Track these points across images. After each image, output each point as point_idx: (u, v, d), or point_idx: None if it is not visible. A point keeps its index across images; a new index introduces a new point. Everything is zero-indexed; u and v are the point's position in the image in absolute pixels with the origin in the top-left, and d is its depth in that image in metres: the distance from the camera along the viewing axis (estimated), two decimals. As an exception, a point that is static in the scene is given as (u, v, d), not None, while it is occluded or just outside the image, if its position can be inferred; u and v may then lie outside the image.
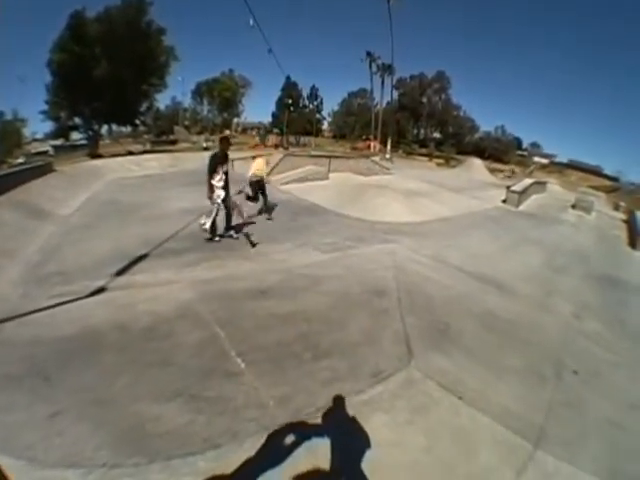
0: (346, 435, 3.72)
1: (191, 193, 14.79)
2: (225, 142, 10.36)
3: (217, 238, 9.74)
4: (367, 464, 3.38)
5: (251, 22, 22.29)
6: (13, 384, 4.04)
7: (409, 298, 7.03)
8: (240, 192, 12.73)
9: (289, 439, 3.52)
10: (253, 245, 9.48)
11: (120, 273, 7.46)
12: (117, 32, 30.78)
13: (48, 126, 38.51)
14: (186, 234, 10.12)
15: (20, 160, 33.98)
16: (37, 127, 52.66)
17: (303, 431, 3.62)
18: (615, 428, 4.62)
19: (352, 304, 6.58)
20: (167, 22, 35.17)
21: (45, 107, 33.72)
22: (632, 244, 17.14)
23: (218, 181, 9.46)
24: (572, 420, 4.63)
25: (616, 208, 30.75)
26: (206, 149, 36.11)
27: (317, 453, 3.43)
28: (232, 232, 10.11)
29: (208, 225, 9.50)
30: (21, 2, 61.17)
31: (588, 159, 73.84)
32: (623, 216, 24.95)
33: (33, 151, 43.54)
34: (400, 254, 9.78)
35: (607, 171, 66.13)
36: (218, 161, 9.52)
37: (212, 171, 9.48)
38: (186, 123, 67.79)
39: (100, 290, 6.67)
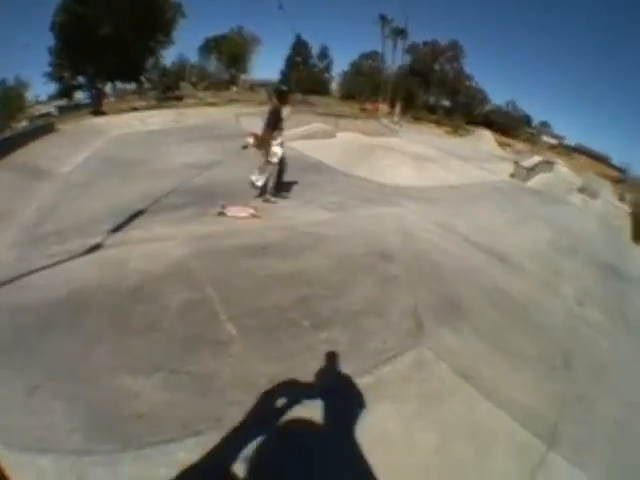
0: (344, 430, 3.29)
1: (195, 148, 14.54)
2: (284, 97, 9.58)
3: (273, 199, 9.12)
4: (367, 462, 3.01)
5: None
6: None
7: (417, 265, 6.67)
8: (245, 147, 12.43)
9: (276, 429, 3.14)
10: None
11: (116, 230, 7.11)
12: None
13: (51, 88, 39.31)
14: (188, 189, 9.72)
15: (23, 123, 33.81)
16: (40, 90, 52.56)
17: (293, 421, 3.22)
18: (620, 428, 4.44)
19: (357, 267, 6.17)
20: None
21: (48, 70, 33.87)
22: (636, 236, 17.03)
23: (277, 139, 8.83)
24: (583, 418, 4.40)
25: (621, 199, 30.43)
26: (212, 104, 35.86)
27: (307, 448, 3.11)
28: (283, 192, 9.62)
29: (261, 183, 8.99)
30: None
31: (595, 146, 72.76)
32: (628, 208, 24.75)
33: (36, 114, 43.31)
34: (407, 218, 9.48)
35: (614, 161, 64.51)
36: (279, 117, 8.80)
37: (272, 127, 8.73)
38: (193, 79, 66.69)
39: (94, 248, 6.35)
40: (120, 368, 3.51)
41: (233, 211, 7.99)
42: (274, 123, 8.68)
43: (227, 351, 3.87)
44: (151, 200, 8.60)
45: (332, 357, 4.00)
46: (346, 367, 3.90)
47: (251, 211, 8.01)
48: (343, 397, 3.61)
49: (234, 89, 64.33)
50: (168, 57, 53.71)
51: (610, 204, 24.69)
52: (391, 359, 4.13)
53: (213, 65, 71.82)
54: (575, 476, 3.52)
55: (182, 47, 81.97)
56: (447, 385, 4.04)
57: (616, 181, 44.42)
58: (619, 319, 7.92)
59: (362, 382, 3.74)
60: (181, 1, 35.98)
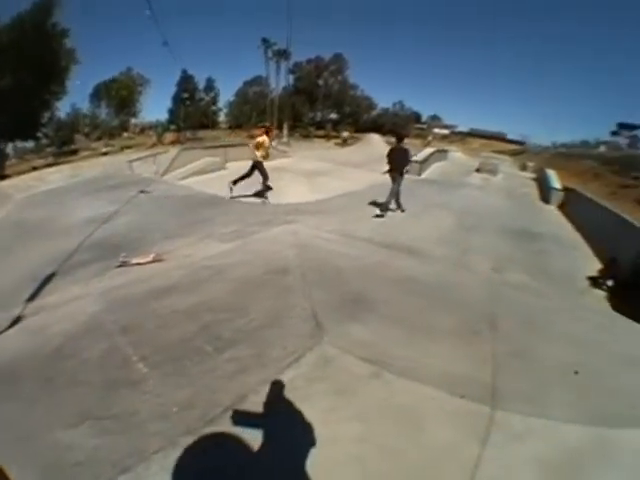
0: (260, 438, 3.40)
1: (93, 201, 14.15)
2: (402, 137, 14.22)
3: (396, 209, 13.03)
4: (297, 469, 3.11)
5: (148, 12, 21.15)
6: None
7: (315, 273, 6.99)
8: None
9: (196, 451, 3.32)
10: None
11: (32, 298, 7.00)
12: (28, 38, 27.27)
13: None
14: (91, 243, 9.60)
15: None
16: None
17: (211, 440, 3.44)
18: (575, 369, 4.50)
19: (254, 286, 6.42)
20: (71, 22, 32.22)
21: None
22: (544, 199, 18.51)
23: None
24: (526, 371, 4.46)
25: (523, 168, 32.67)
26: (105, 154, 34.84)
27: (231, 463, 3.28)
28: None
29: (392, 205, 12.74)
30: None
31: (492, 127, 76.91)
32: (531, 175, 26.80)
33: None
34: (303, 232, 9.74)
35: (512, 136, 70.51)
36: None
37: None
38: (86, 130, 63.58)
39: (17, 320, 6.30)
40: (55, 424, 3.62)
41: (136, 259, 8.15)
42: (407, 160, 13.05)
43: (142, 388, 4.03)
44: (60, 261, 8.51)
45: (236, 373, 4.22)
46: (251, 378, 4.13)
47: (152, 255, 8.21)
48: (253, 406, 3.78)
49: (125, 135, 62.64)
50: (62, 108, 50.98)
51: (512, 176, 26.31)
52: (293, 363, 4.34)
53: (104, 112, 69.49)
54: (533, 424, 3.54)
55: (75, 97, 77.84)
56: (358, 375, 4.17)
57: (516, 153, 47.07)
58: (542, 275, 8.59)
59: (268, 389, 3.97)
60: (75, 47, 32.74)
